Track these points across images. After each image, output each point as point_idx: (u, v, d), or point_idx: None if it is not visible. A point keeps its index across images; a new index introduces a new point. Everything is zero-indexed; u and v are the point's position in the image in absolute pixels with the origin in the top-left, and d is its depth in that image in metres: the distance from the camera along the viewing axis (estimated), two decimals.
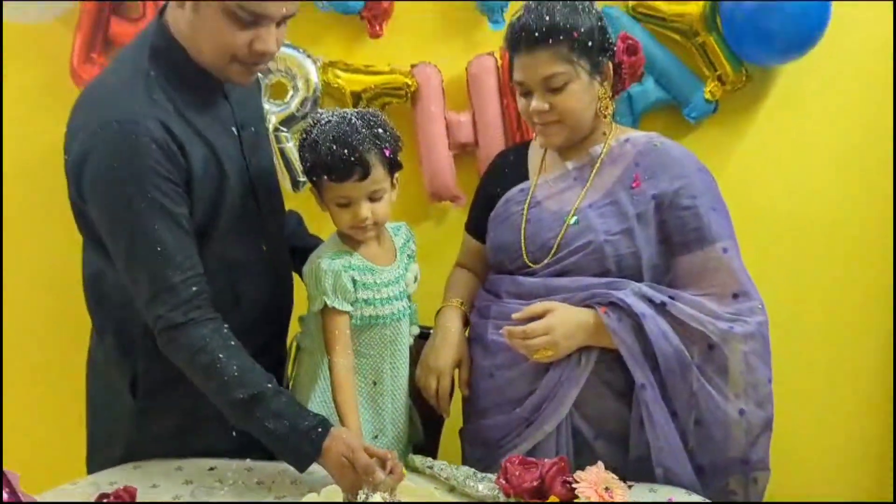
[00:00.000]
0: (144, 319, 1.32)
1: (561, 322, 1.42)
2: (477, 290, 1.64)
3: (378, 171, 1.42)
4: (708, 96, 1.95)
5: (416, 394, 1.62)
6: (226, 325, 1.31)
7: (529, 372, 1.48)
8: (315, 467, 1.30)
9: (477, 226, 1.66)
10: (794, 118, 2.00)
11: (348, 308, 1.44)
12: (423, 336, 1.65)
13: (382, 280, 1.49)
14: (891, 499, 2.05)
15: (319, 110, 1.53)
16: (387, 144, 1.43)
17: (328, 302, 1.42)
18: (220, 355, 1.27)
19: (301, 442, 1.27)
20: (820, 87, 1.97)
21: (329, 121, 1.42)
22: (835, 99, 1.98)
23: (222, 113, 1.39)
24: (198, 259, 1.30)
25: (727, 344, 1.42)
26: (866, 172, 2.00)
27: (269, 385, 1.29)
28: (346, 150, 1.38)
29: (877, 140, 1.98)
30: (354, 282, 1.45)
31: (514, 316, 1.45)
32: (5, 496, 1.04)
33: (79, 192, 1.31)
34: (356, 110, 1.48)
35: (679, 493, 1.34)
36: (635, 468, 1.41)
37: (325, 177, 1.41)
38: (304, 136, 1.45)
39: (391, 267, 1.52)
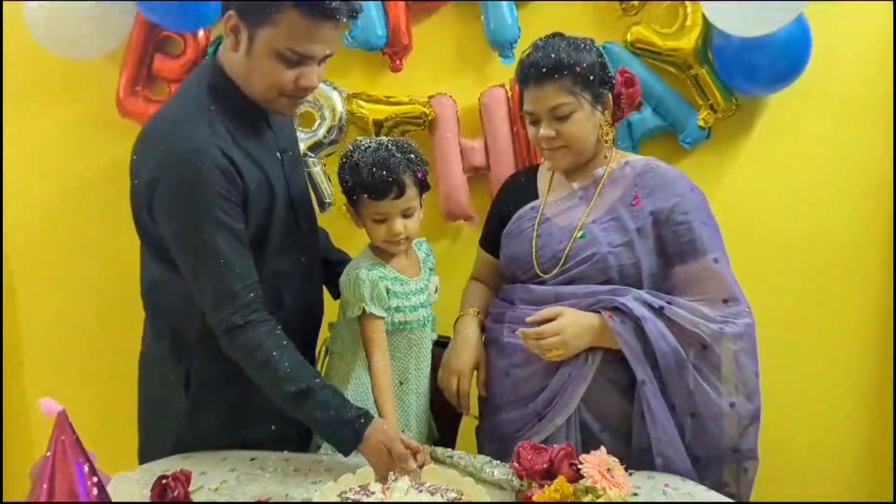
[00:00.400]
0: (202, 321, 1.48)
1: (570, 324, 1.55)
2: (490, 300, 1.78)
3: (411, 191, 1.60)
4: (701, 123, 2.10)
5: (433, 397, 1.78)
6: (279, 327, 1.46)
7: (541, 370, 1.61)
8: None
9: (490, 241, 1.80)
10: (780, 143, 2.15)
11: (384, 314, 1.60)
12: (438, 344, 1.79)
13: (410, 289, 1.65)
14: (889, 498, 2.18)
15: (358, 138, 1.69)
16: (418, 168, 1.61)
17: (367, 308, 1.58)
18: (275, 353, 1.42)
19: (346, 430, 1.42)
20: (803, 114, 2.12)
21: (368, 146, 1.60)
22: (818, 125, 2.13)
23: (268, 139, 1.56)
24: (254, 269, 1.46)
25: (719, 344, 1.55)
26: (849, 191, 2.15)
27: (318, 380, 1.45)
28: (384, 172, 1.55)
29: (857, 160, 2.13)
30: (388, 290, 1.61)
31: (527, 319, 1.58)
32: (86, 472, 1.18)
33: (149, 213, 1.46)
34: (391, 138, 1.66)
35: (675, 480, 1.48)
36: (637, 458, 1.54)
37: (365, 195, 1.58)
38: (345, 160, 1.62)
39: (417, 278, 1.68)
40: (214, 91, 1.48)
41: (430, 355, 1.73)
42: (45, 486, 1.15)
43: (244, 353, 1.44)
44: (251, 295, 1.44)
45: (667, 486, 1.44)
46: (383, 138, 1.66)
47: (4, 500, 2.41)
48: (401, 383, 1.67)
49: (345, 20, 1.44)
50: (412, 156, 1.62)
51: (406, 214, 1.62)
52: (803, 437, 2.23)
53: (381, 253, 1.66)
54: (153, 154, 1.44)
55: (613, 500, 1.23)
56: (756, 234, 2.17)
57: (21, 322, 2.44)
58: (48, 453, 1.16)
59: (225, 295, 1.43)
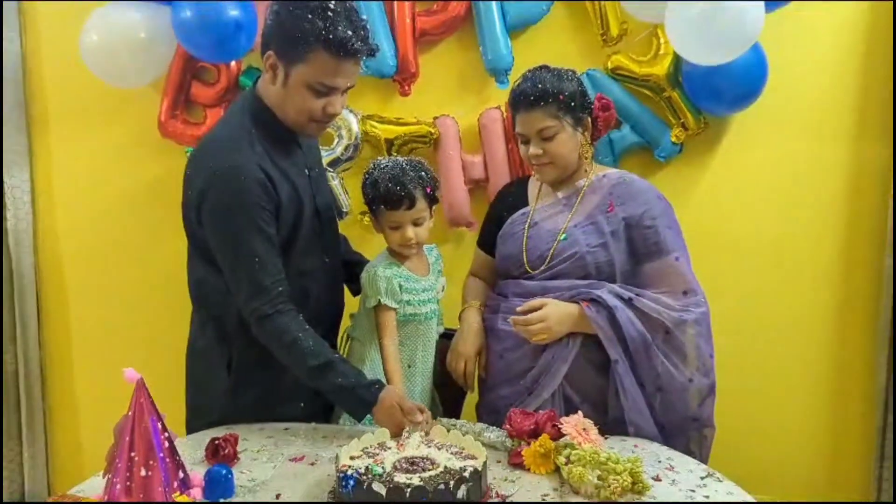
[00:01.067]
0: (240, 313, 1.75)
1: (553, 312, 1.80)
2: (487, 294, 2.04)
3: (421, 203, 1.87)
4: (674, 139, 2.36)
5: (439, 379, 2.04)
6: (301, 315, 1.73)
7: (530, 353, 1.86)
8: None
9: (487, 242, 2.05)
10: (744, 157, 2.41)
11: (396, 306, 1.88)
12: (445, 336, 2.05)
13: (420, 287, 1.93)
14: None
15: (379, 158, 1.98)
16: (428, 184, 1.88)
17: (382, 300, 1.86)
18: (300, 335, 1.69)
19: (364, 393, 1.69)
20: (764, 131, 2.39)
21: (386, 165, 1.88)
22: (777, 140, 2.39)
23: (298, 158, 1.83)
24: (282, 267, 1.73)
25: (680, 328, 1.81)
26: (805, 198, 2.41)
27: (336, 355, 1.73)
28: (398, 187, 1.84)
29: (812, 172, 2.39)
30: (400, 287, 1.88)
31: (517, 309, 1.84)
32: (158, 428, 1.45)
33: (198, 219, 1.73)
34: (406, 158, 1.95)
35: (643, 442, 1.74)
36: (612, 426, 1.79)
37: (383, 206, 1.86)
38: (367, 176, 1.90)
39: (427, 277, 1.96)
40: (255, 117, 1.75)
41: (435, 344, 2.00)
42: (127, 438, 1.42)
43: (273, 337, 1.71)
44: (280, 289, 1.71)
45: (636, 446, 1.71)
46: (400, 158, 1.95)
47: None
48: (409, 366, 1.93)
49: (364, 58, 1.72)
50: (423, 174, 1.90)
51: (417, 223, 1.89)
52: (766, 417, 2.48)
53: (396, 255, 1.94)
54: (203, 169, 1.72)
55: (587, 452, 1.49)
56: (724, 237, 2.43)
57: (71, 318, 2.72)
58: (129, 413, 1.43)
59: (257, 288, 1.69)
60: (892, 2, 2.23)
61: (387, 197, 1.85)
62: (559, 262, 1.87)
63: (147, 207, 2.56)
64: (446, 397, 2.08)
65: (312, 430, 1.82)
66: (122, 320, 2.68)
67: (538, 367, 1.85)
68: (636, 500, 1.45)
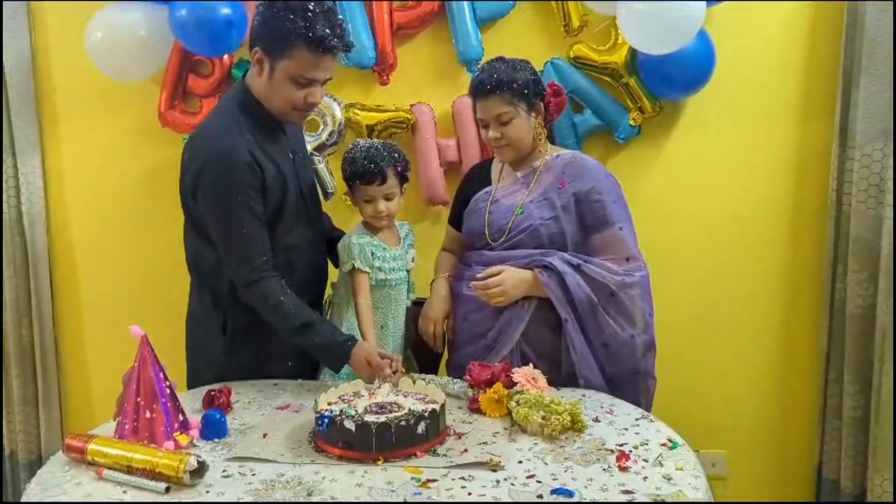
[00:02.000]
0: (232, 280, 1.97)
1: (509, 278, 2.01)
2: (456, 265, 2.25)
3: (392, 181, 2.09)
4: (632, 123, 2.54)
5: (415, 342, 2.25)
6: (283, 281, 1.94)
7: (490, 314, 2.07)
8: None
9: (456, 219, 2.26)
10: (698, 138, 2.60)
11: (368, 270, 2.10)
12: (417, 303, 2.26)
13: (390, 255, 2.14)
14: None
15: (357, 139, 2.19)
16: (399, 164, 2.10)
17: (356, 265, 2.08)
18: (282, 298, 1.91)
19: (339, 348, 1.92)
20: (715, 114, 2.57)
21: (363, 146, 2.11)
22: (727, 123, 2.57)
23: (283, 143, 2.04)
24: (268, 240, 1.94)
25: (622, 290, 2.01)
26: (754, 177, 2.60)
27: (315, 315, 1.95)
28: (372, 165, 2.06)
29: (760, 152, 2.58)
30: (372, 254, 2.10)
31: (477, 276, 2.05)
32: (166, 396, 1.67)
33: (193, 198, 1.94)
34: (381, 140, 2.17)
35: (591, 393, 1.95)
36: (565, 379, 2.01)
37: (358, 181, 2.08)
38: (346, 155, 2.12)
39: (396, 248, 2.17)
40: (243, 107, 1.96)
41: (407, 310, 2.21)
42: (133, 386, 1.65)
43: (259, 300, 1.93)
44: (264, 258, 1.92)
45: (584, 395, 1.92)
46: (375, 140, 2.17)
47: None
48: (381, 328, 2.15)
49: (341, 53, 1.92)
50: (395, 154, 2.11)
51: (388, 198, 2.11)
52: (719, 380, 2.70)
53: (370, 227, 2.16)
54: (198, 154, 1.93)
55: (533, 395, 1.71)
56: (680, 213, 2.62)
57: (81, 293, 2.95)
58: (135, 363, 1.66)
59: (245, 258, 1.91)
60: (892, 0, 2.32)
61: (362, 173, 2.07)
62: (516, 234, 2.08)
63: (148, 190, 2.77)
64: (422, 358, 2.29)
65: (298, 385, 2.04)
66: (127, 293, 2.89)
67: (497, 327, 2.07)
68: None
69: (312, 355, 2.02)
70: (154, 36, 2.53)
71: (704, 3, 2.26)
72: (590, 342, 2.02)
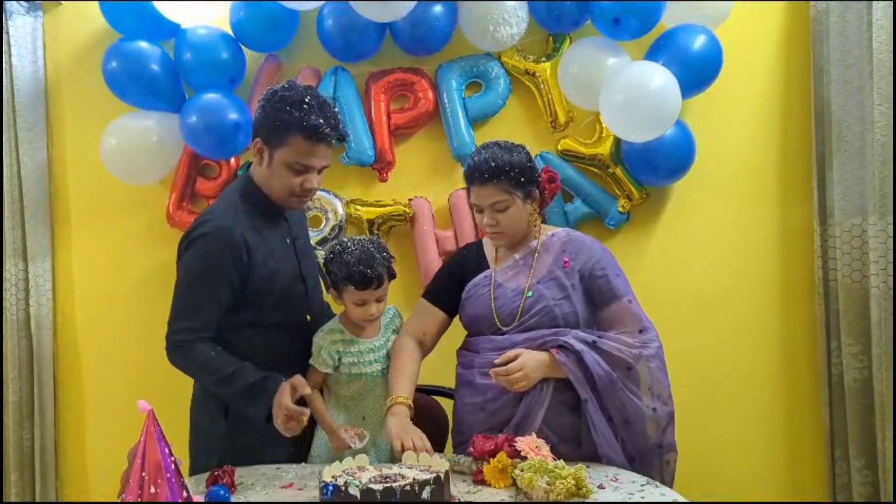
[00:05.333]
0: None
1: (529, 361, 1.94)
2: (418, 371, 2.10)
3: (385, 282, 2.08)
4: (621, 209, 2.66)
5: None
6: (217, 348, 1.96)
7: (510, 402, 2.00)
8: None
9: (441, 297, 2.16)
10: (685, 221, 2.71)
11: (323, 369, 2.07)
12: (423, 390, 2.23)
13: (364, 348, 2.09)
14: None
15: (343, 238, 2.21)
16: (389, 262, 2.09)
17: (310, 360, 2.08)
18: (212, 353, 1.95)
19: (271, 384, 1.93)
20: (701, 198, 2.70)
21: (354, 249, 2.04)
22: (713, 206, 2.70)
23: (283, 229, 2.11)
24: (215, 324, 1.97)
25: (639, 364, 1.96)
26: (746, 259, 2.70)
27: (247, 363, 1.95)
28: (368, 270, 2.01)
29: (744, 234, 2.69)
30: (339, 351, 2.06)
31: (496, 361, 1.96)
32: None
33: (179, 252, 2.02)
34: (368, 238, 2.13)
35: (613, 471, 1.89)
36: (587, 460, 1.89)
37: (351, 286, 2.03)
38: (332, 255, 2.07)
39: (373, 340, 2.12)
40: (244, 194, 2.06)
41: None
42: (139, 460, 1.66)
43: (188, 359, 1.97)
44: (204, 334, 1.96)
45: (588, 466, 1.90)
46: (363, 239, 2.10)
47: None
48: (363, 419, 2.09)
49: (335, 142, 2.03)
50: (384, 254, 2.09)
51: (379, 299, 2.09)
52: (722, 468, 2.69)
53: (348, 322, 2.11)
54: (194, 228, 2.02)
55: (537, 461, 1.72)
56: (671, 297, 2.69)
57: (86, 398, 2.96)
58: (142, 438, 1.67)
59: (183, 325, 1.97)
60: (892, 1, 2.39)
61: (358, 278, 2.01)
62: (530, 318, 2.02)
63: (156, 292, 2.77)
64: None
65: (302, 467, 2.03)
66: (131, 396, 2.84)
67: (519, 413, 1.98)
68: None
69: (246, 407, 1.98)
70: (165, 141, 2.69)
71: (678, 92, 2.42)
72: (610, 419, 1.96)
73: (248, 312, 2.03)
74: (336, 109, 2.04)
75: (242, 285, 2.00)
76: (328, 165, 2.07)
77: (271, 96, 2.00)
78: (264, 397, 1.94)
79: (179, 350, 1.99)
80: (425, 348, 2.16)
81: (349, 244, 2.08)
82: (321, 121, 1.95)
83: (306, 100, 1.96)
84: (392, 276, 2.11)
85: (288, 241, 2.14)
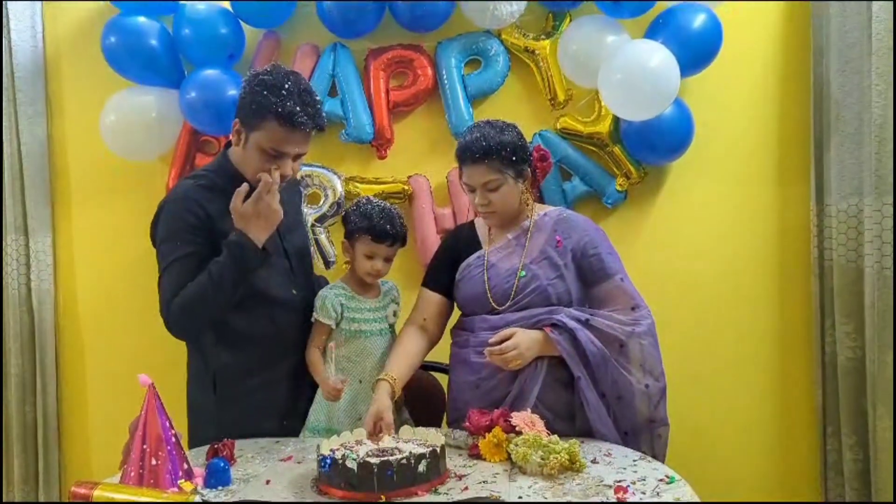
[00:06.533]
0: (214, 335, 2.04)
1: (523, 340, 1.96)
2: (419, 355, 2.13)
3: (399, 244, 2.15)
4: (618, 188, 2.67)
5: (414, 402, 2.26)
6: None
7: (504, 379, 2.02)
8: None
9: (437, 280, 2.18)
10: (682, 200, 2.72)
11: (327, 321, 2.11)
12: (427, 367, 2.26)
13: (364, 306, 2.14)
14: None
15: (366, 196, 2.23)
16: (405, 231, 2.16)
17: (314, 315, 2.12)
18: (189, 285, 1.97)
19: (234, 241, 1.94)
20: (697, 177, 2.71)
21: (378, 204, 2.14)
22: (709, 184, 2.71)
23: None
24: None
25: (632, 341, 1.98)
26: (743, 239, 2.71)
27: (209, 267, 1.96)
28: (388, 225, 2.10)
29: (741, 211, 2.70)
30: (342, 304, 2.11)
31: (490, 340, 1.97)
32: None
33: (153, 238, 2.06)
34: (388, 203, 2.19)
35: (606, 446, 1.92)
36: (581, 436, 1.93)
37: (369, 236, 2.10)
38: (356, 207, 2.15)
39: (373, 300, 2.17)
40: (219, 169, 2.08)
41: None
42: (139, 433, 1.69)
43: (183, 313, 1.98)
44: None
45: (582, 441, 1.94)
46: (385, 202, 2.19)
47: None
48: (360, 382, 2.11)
49: (311, 131, 1.99)
50: (402, 220, 2.17)
51: (387, 259, 2.16)
52: (715, 447, 2.72)
53: (350, 282, 2.18)
54: (164, 200, 2.08)
55: (531, 436, 1.75)
56: (667, 275, 2.70)
57: (87, 371, 3.00)
58: (143, 412, 1.70)
59: (167, 294, 2.00)
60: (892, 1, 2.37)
61: (378, 231, 2.09)
62: (524, 297, 2.04)
63: (156, 267, 2.83)
64: (422, 418, 2.30)
65: (301, 441, 2.07)
66: (132, 371, 2.87)
67: (513, 391, 2.01)
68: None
69: (247, 267, 1.98)
70: (164, 117, 2.70)
71: (677, 70, 2.42)
72: (603, 396, 1.99)
73: None
74: (318, 98, 2.01)
75: (211, 250, 2.00)
76: (304, 153, 2.05)
77: (252, 79, 2.00)
78: (241, 248, 1.95)
79: (170, 314, 2.00)
80: (429, 333, 2.17)
81: (374, 202, 2.17)
82: (298, 108, 1.93)
83: (286, 86, 1.95)
84: (404, 242, 2.17)
85: None
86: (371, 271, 2.14)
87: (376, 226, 2.10)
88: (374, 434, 1.88)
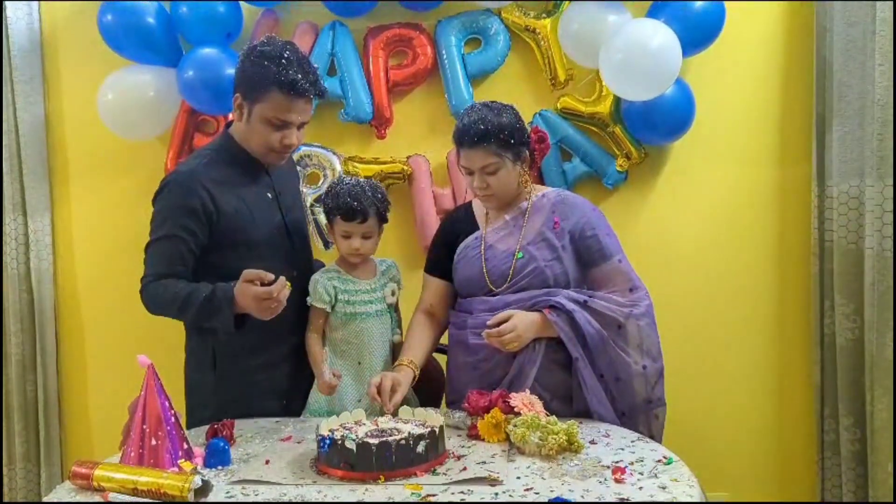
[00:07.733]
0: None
1: (521, 321, 1.95)
2: (432, 340, 2.16)
3: (371, 220, 2.10)
4: (619, 168, 2.66)
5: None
6: (174, 281, 1.96)
7: (502, 361, 2.02)
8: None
9: (437, 266, 2.18)
10: (683, 181, 2.72)
11: (322, 305, 2.10)
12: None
13: (359, 289, 2.13)
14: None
15: (345, 175, 2.24)
16: (381, 205, 2.12)
17: (308, 300, 2.11)
18: (168, 285, 1.96)
19: (225, 292, 1.91)
20: (698, 158, 2.71)
21: (349, 182, 2.11)
22: (709, 165, 2.71)
23: (263, 183, 2.10)
24: (179, 269, 1.98)
25: (630, 322, 1.98)
26: (743, 219, 2.71)
27: (202, 283, 1.96)
28: (355, 203, 2.06)
29: (741, 192, 2.70)
30: (336, 288, 2.10)
31: (488, 322, 1.97)
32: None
33: (153, 206, 2.04)
34: (367, 179, 2.19)
35: (604, 427, 1.92)
36: (578, 416, 1.94)
37: (339, 217, 2.09)
38: (330, 188, 2.15)
39: (369, 281, 2.16)
40: (221, 148, 2.07)
41: (387, 344, 2.17)
42: (139, 413, 1.70)
43: (153, 301, 1.99)
44: (168, 278, 1.98)
45: (580, 422, 1.94)
46: (362, 178, 2.19)
47: None
48: (359, 363, 2.12)
49: (313, 97, 2.01)
50: (379, 195, 2.12)
51: (365, 236, 2.11)
52: (714, 426, 2.74)
53: (343, 264, 2.17)
54: (167, 178, 2.07)
55: (530, 417, 1.76)
56: (667, 256, 2.71)
57: (87, 350, 3.01)
58: (142, 392, 1.71)
59: (150, 272, 1.99)
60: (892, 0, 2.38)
61: (344, 209, 2.07)
62: (521, 279, 2.04)
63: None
64: (423, 398, 2.31)
65: (301, 421, 2.07)
66: (132, 349, 2.87)
67: (511, 372, 2.01)
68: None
69: (213, 322, 1.98)
70: (162, 96, 2.69)
71: (678, 50, 2.40)
72: (601, 377, 1.99)
73: (229, 265, 2.01)
74: (315, 65, 2.03)
75: (210, 232, 2.01)
76: (307, 121, 2.05)
77: (250, 51, 1.99)
78: (223, 305, 1.92)
79: (144, 293, 2.00)
80: (437, 319, 2.18)
81: (346, 180, 2.15)
82: (299, 76, 1.94)
83: (285, 55, 1.95)
84: (382, 218, 2.13)
85: (270, 195, 2.13)
86: (350, 251, 2.12)
87: (342, 204, 2.07)
88: (376, 394, 1.91)
